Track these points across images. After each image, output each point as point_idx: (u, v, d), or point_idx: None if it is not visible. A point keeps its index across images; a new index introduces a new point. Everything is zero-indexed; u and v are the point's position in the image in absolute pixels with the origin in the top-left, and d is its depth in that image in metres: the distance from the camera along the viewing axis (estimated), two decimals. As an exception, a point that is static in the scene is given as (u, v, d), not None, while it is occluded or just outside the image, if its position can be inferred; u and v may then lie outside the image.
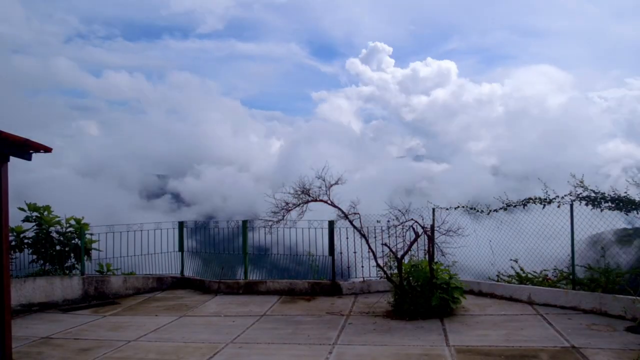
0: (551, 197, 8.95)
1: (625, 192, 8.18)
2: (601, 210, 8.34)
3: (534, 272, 10.15)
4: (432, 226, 9.14)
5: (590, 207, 8.48)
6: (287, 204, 9.33)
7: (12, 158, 6.18)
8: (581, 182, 8.67)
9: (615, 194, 8.28)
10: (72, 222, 12.09)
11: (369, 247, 9.43)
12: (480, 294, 10.05)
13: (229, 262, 12.56)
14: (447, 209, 10.25)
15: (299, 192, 9.32)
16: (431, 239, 8.83)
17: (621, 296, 7.86)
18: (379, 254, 9.57)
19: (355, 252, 11.09)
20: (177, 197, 79.35)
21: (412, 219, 8.87)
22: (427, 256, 9.02)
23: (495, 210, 9.83)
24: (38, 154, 6.39)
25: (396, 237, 9.49)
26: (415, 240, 8.92)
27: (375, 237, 10.15)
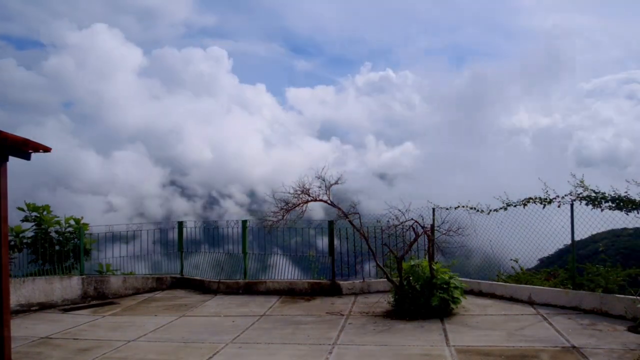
0: (551, 197, 8.91)
1: (626, 192, 8.13)
2: (601, 210, 8.30)
3: (535, 271, 10.13)
4: (432, 226, 9.12)
5: (590, 207, 8.44)
6: (286, 203, 9.32)
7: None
8: (581, 181, 8.62)
9: (615, 193, 8.22)
10: (72, 222, 12.09)
11: (369, 247, 9.41)
12: (480, 294, 10.03)
13: (228, 262, 12.54)
14: (447, 209, 10.23)
15: (299, 192, 9.30)
16: (431, 239, 8.81)
17: (622, 296, 7.85)
18: (378, 254, 9.55)
19: (355, 252, 11.07)
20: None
21: (412, 219, 8.86)
22: (427, 256, 9.01)
23: (495, 210, 9.80)
24: (37, 153, 6.38)
25: (396, 237, 9.48)
26: (415, 240, 8.91)
27: (375, 237, 10.14)
